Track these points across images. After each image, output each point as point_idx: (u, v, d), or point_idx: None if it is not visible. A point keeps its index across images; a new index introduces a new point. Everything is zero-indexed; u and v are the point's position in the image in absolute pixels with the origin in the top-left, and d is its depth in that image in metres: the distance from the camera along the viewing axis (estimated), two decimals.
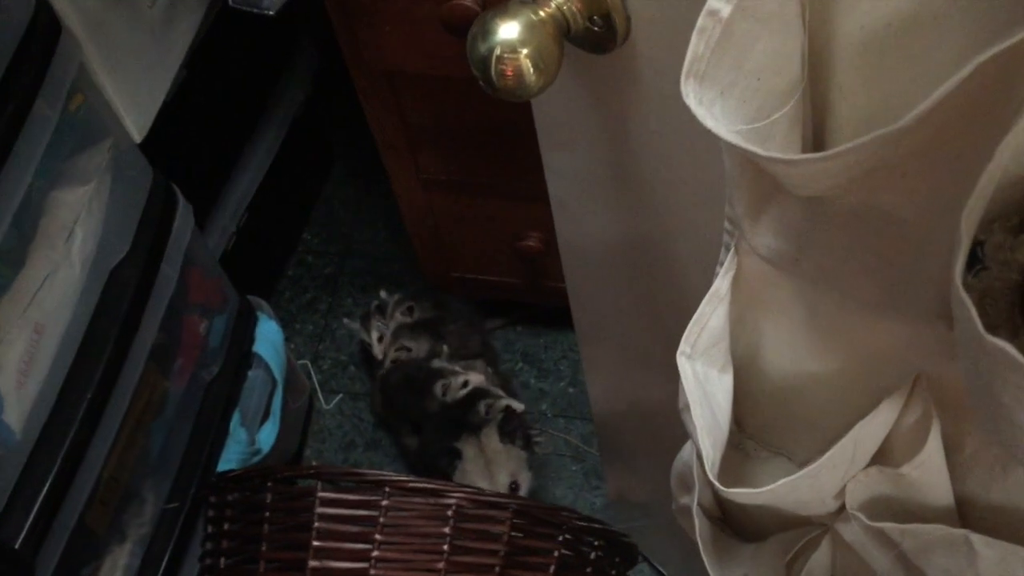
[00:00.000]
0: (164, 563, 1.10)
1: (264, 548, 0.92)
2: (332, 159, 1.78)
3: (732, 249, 0.52)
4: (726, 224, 0.51)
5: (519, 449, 1.26)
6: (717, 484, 0.51)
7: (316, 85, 1.60)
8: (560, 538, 0.94)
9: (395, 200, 1.37)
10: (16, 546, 0.83)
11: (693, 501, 0.71)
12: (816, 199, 0.40)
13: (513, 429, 1.26)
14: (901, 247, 0.38)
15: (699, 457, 0.69)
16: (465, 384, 1.30)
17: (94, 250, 0.97)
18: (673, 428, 0.78)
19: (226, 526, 0.98)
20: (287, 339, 1.48)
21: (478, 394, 1.29)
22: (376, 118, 1.15)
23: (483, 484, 1.22)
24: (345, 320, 1.55)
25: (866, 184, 0.38)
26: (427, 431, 1.32)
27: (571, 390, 1.50)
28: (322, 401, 1.54)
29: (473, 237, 1.35)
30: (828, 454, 0.48)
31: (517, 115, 1.10)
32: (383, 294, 1.48)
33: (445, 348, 1.36)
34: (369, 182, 1.75)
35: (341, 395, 1.55)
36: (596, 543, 0.98)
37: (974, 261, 0.31)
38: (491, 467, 1.23)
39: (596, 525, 0.97)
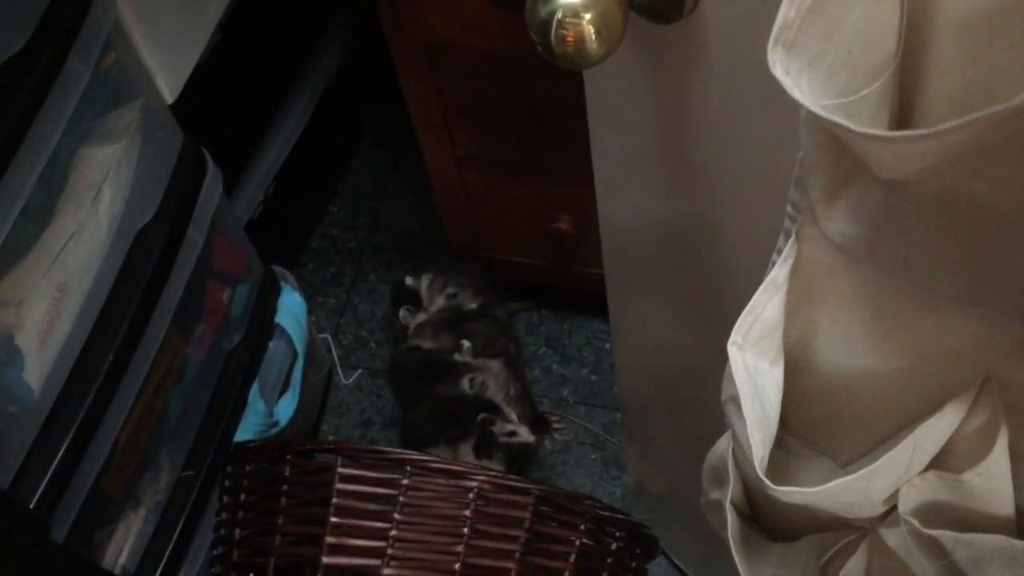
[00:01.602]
0: (178, 531, 1.08)
1: (281, 521, 0.91)
2: (362, 133, 1.76)
3: (792, 236, 0.50)
4: (788, 209, 0.49)
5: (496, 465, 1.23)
6: (766, 481, 0.48)
7: (349, 57, 1.58)
8: (582, 527, 0.92)
9: (423, 176, 1.35)
10: (31, 506, 0.81)
11: (726, 497, 0.69)
12: (899, 183, 0.37)
13: (490, 446, 1.22)
14: (988, 237, 0.36)
15: (734, 454, 0.67)
16: (512, 434, 1.25)
17: (121, 211, 0.96)
18: (702, 421, 0.76)
19: (242, 497, 0.96)
20: (309, 312, 1.46)
21: (487, 407, 1.26)
22: (412, 91, 1.13)
23: None
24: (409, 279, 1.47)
25: (955, 169, 0.35)
26: (415, 420, 1.30)
27: (593, 377, 1.48)
28: (341, 376, 1.53)
29: (504, 217, 1.32)
30: (886, 456, 0.45)
31: (557, 94, 1.07)
32: (409, 280, 1.44)
33: (466, 343, 1.34)
34: (398, 157, 1.73)
35: (360, 370, 1.53)
36: (618, 534, 0.96)
37: None
38: None
39: (619, 516, 0.95)
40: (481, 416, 1.23)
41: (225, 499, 0.99)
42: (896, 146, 0.31)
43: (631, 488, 1.35)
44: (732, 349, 0.51)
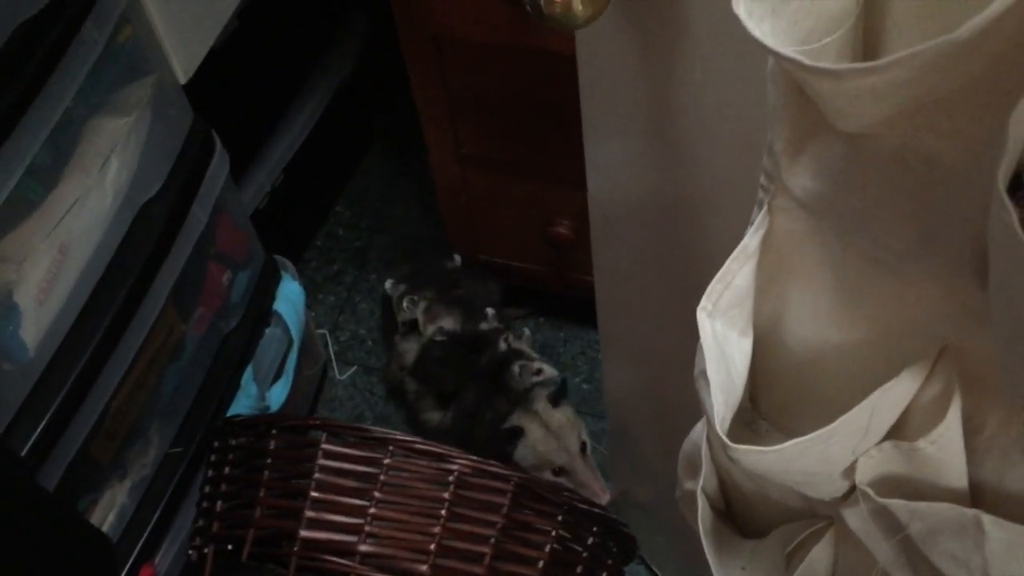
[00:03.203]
0: (162, 506, 1.10)
1: (262, 494, 0.92)
2: (372, 136, 1.79)
3: (764, 207, 0.51)
4: (761, 179, 0.50)
5: (572, 410, 1.29)
6: (726, 441, 0.49)
7: (364, 59, 1.61)
8: (559, 517, 0.92)
9: (430, 180, 1.37)
10: (22, 454, 0.83)
11: (698, 485, 0.70)
12: (859, 138, 0.39)
13: (561, 395, 1.29)
14: (939, 192, 0.37)
15: (708, 440, 0.68)
16: (539, 371, 1.31)
17: (127, 182, 0.98)
18: (686, 430, 0.76)
19: (227, 470, 0.97)
20: (308, 307, 1.48)
21: (512, 355, 1.31)
22: (420, 84, 1.15)
23: (555, 457, 1.25)
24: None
25: (911, 123, 0.37)
26: (468, 406, 1.32)
27: (585, 386, 1.49)
28: (336, 371, 1.54)
29: (505, 218, 1.34)
30: (843, 418, 0.46)
31: (562, 93, 1.09)
32: (388, 284, 1.47)
33: (491, 310, 1.37)
34: (407, 161, 1.75)
35: (355, 367, 1.54)
36: (595, 528, 0.96)
37: (1016, 187, 0.30)
38: (561, 438, 1.25)
39: (596, 510, 0.96)
40: (520, 364, 1.29)
41: (210, 473, 1.00)
42: (847, 82, 0.32)
43: (615, 496, 1.36)
44: (701, 315, 0.52)
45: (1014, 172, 0.30)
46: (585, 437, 1.29)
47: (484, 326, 1.36)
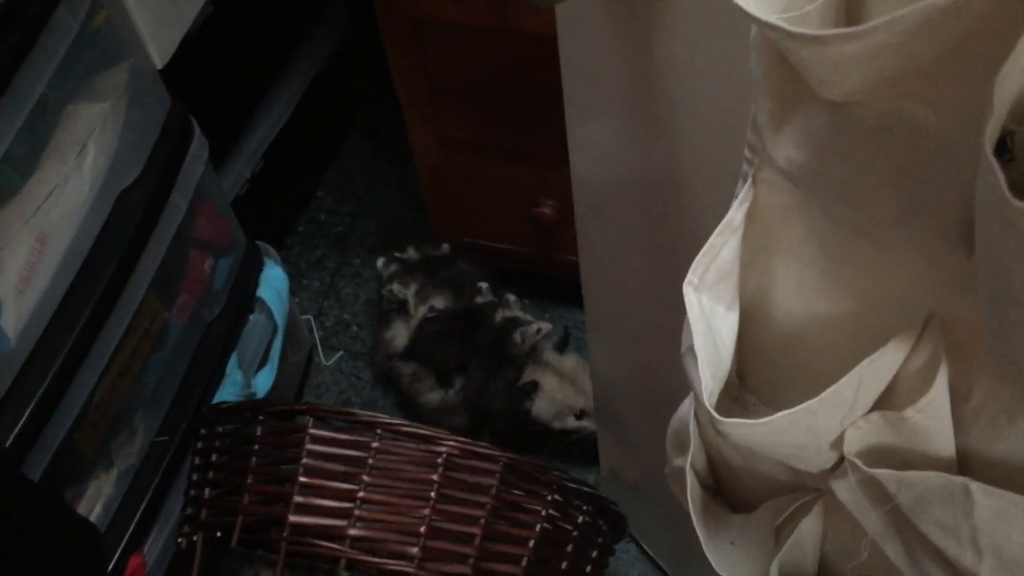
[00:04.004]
0: (149, 495, 1.09)
1: (250, 480, 0.92)
2: (352, 121, 1.78)
3: (749, 180, 0.51)
4: (746, 152, 0.50)
5: (578, 355, 1.31)
6: (714, 414, 0.49)
7: (343, 42, 1.60)
8: (549, 497, 0.92)
9: (411, 165, 1.37)
10: (6, 445, 0.82)
11: (687, 461, 0.70)
12: (843, 107, 0.38)
13: (565, 343, 1.32)
14: (925, 160, 0.37)
15: (696, 416, 0.68)
16: (538, 330, 1.34)
17: (106, 169, 0.97)
18: (674, 407, 0.77)
19: (214, 457, 0.97)
20: (292, 293, 1.47)
21: (509, 325, 1.33)
22: (400, 68, 1.14)
23: (574, 400, 1.28)
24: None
25: (895, 91, 0.36)
26: (475, 381, 1.32)
27: None
28: (322, 357, 1.53)
29: (488, 201, 1.34)
30: (831, 389, 0.46)
31: (543, 75, 1.09)
32: (380, 262, 1.46)
33: (484, 284, 1.37)
34: (388, 146, 1.74)
35: (341, 352, 1.54)
36: (585, 507, 0.96)
37: (1002, 151, 0.30)
38: (576, 381, 1.29)
39: (586, 489, 0.96)
40: (520, 331, 1.31)
41: (196, 460, 1.00)
42: (830, 48, 0.32)
43: (604, 475, 1.36)
44: (688, 289, 0.52)
45: (1000, 135, 0.30)
46: None
47: (480, 299, 1.36)
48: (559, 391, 1.29)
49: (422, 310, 1.38)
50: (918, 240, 0.41)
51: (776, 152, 0.42)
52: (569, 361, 1.31)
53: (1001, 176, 0.26)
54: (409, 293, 1.38)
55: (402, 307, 1.38)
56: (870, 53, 0.33)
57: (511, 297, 1.38)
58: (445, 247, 1.44)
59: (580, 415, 1.30)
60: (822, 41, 0.32)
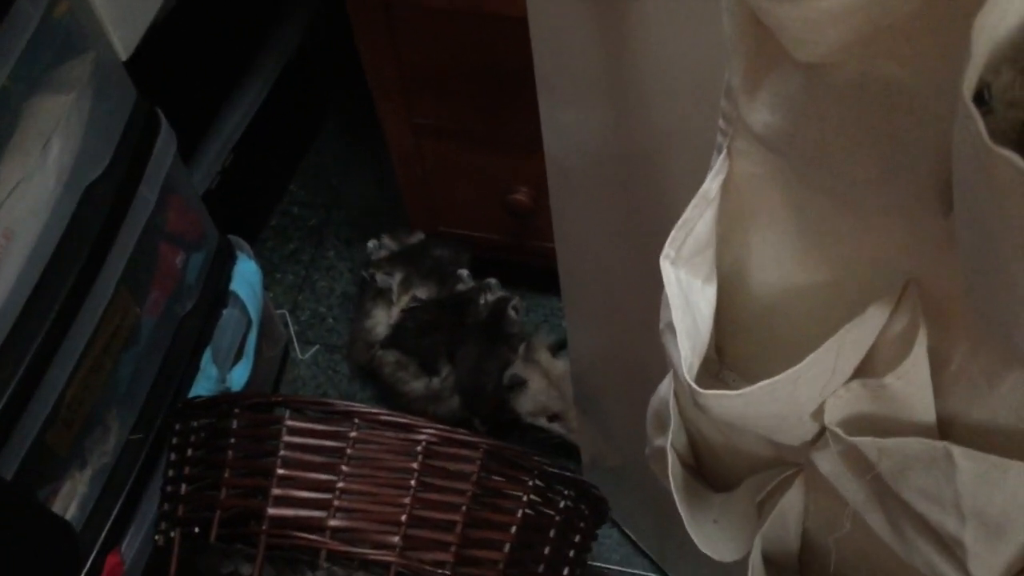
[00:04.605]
0: (125, 493, 1.07)
1: (227, 475, 0.90)
2: (324, 112, 1.76)
3: (724, 151, 0.50)
4: (720, 123, 0.50)
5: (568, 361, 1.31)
6: (695, 387, 0.49)
7: (313, 30, 1.58)
8: (530, 483, 0.92)
9: (385, 155, 1.35)
10: None
11: (667, 440, 0.69)
12: (817, 68, 0.38)
13: (561, 346, 1.31)
14: (901, 119, 0.37)
15: (676, 395, 0.68)
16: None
17: (71, 163, 0.95)
18: (653, 385, 0.76)
19: (190, 452, 0.96)
20: (266, 288, 1.45)
21: (500, 303, 1.34)
22: (370, 55, 1.13)
23: (552, 404, 1.29)
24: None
25: (870, 50, 0.36)
26: (468, 362, 1.32)
27: None
28: (298, 351, 1.52)
29: (463, 189, 1.33)
30: (810, 357, 0.46)
31: (515, 59, 1.08)
32: (370, 245, 1.45)
33: (464, 272, 1.38)
34: (361, 137, 1.73)
35: (317, 346, 1.52)
36: (566, 492, 0.96)
37: (980, 102, 0.29)
38: (560, 387, 1.29)
39: (567, 474, 0.96)
40: (512, 305, 1.33)
41: (172, 456, 0.98)
42: (803, 5, 0.32)
43: (585, 463, 1.36)
44: (665, 263, 0.51)
45: (976, 89, 0.30)
46: None
47: (461, 287, 1.36)
48: (543, 393, 1.30)
49: (404, 299, 1.37)
50: (895, 202, 0.40)
51: (751, 117, 0.41)
52: (559, 366, 1.31)
53: (980, 122, 0.25)
54: (394, 282, 1.38)
55: (382, 294, 1.37)
56: (845, 9, 0.32)
57: (492, 281, 1.38)
58: (419, 234, 1.43)
59: (552, 418, 1.31)
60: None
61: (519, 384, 1.28)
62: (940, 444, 0.45)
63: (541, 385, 1.30)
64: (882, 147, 0.38)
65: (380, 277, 1.37)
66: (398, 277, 1.38)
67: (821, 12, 0.32)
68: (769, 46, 0.38)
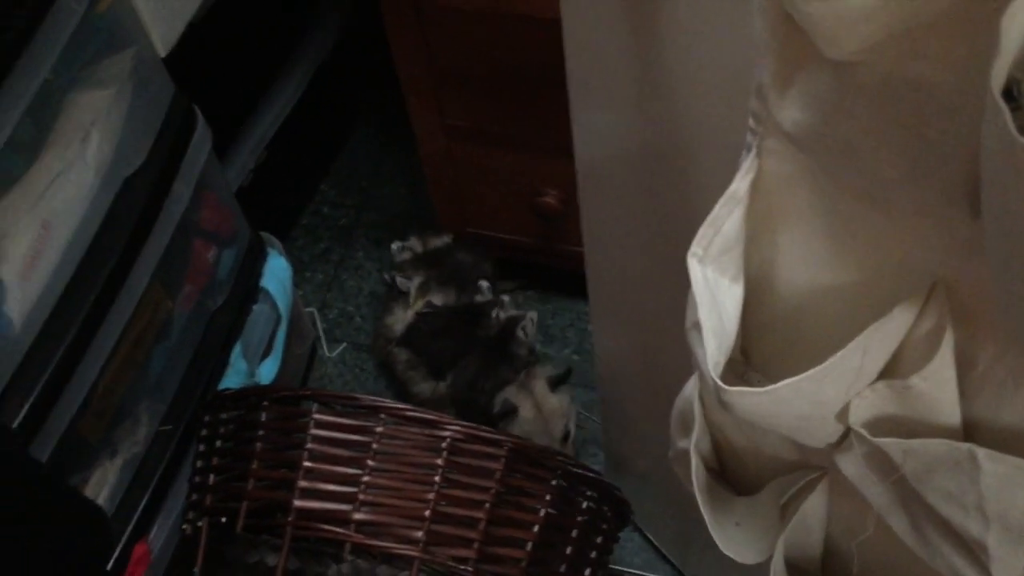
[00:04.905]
0: (153, 483, 1.09)
1: (255, 466, 0.92)
2: (357, 114, 1.78)
3: (753, 151, 0.51)
4: (750, 122, 0.50)
5: (568, 398, 1.29)
6: (720, 384, 0.49)
7: (347, 31, 1.60)
8: (553, 482, 0.92)
9: (416, 157, 1.37)
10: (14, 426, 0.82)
11: (691, 442, 0.69)
12: (848, 66, 0.38)
13: (561, 380, 1.29)
14: (929, 118, 0.37)
15: (700, 397, 0.68)
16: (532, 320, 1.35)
17: (109, 156, 0.97)
18: (678, 387, 0.76)
19: (218, 444, 0.97)
20: (296, 286, 1.47)
21: (511, 322, 1.33)
22: (403, 55, 1.14)
23: (537, 439, 1.25)
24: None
25: (900, 48, 0.36)
26: (467, 374, 1.32)
27: (575, 357, 1.49)
28: (325, 349, 1.53)
29: (492, 190, 1.34)
30: (836, 355, 0.46)
31: (547, 60, 1.08)
32: (394, 246, 1.46)
33: (484, 283, 1.37)
34: (392, 139, 1.74)
35: (345, 344, 1.54)
36: (589, 493, 0.96)
37: (1008, 99, 0.30)
38: (549, 422, 1.27)
39: (591, 474, 0.96)
40: (521, 326, 1.31)
41: (201, 447, 1.00)
42: (835, 1, 0.32)
43: (609, 467, 1.36)
44: (692, 261, 0.52)
45: (1005, 85, 0.30)
46: (572, 427, 1.30)
47: (479, 298, 1.36)
48: (530, 424, 1.27)
49: (420, 303, 1.38)
50: (924, 202, 0.40)
51: (781, 115, 0.41)
52: (552, 401, 1.28)
53: (1009, 116, 0.26)
54: (412, 286, 1.39)
55: (403, 294, 1.39)
56: (876, 6, 0.33)
57: (506, 298, 1.37)
58: (445, 237, 1.44)
59: None
60: None
61: (509, 411, 1.26)
62: (965, 446, 0.45)
63: (530, 415, 1.27)
64: (911, 146, 0.38)
65: (399, 280, 1.38)
66: (417, 281, 1.39)
67: (852, 9, 0.33)
68: (800, 44, 0.39)
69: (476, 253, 1.42)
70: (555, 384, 1.29)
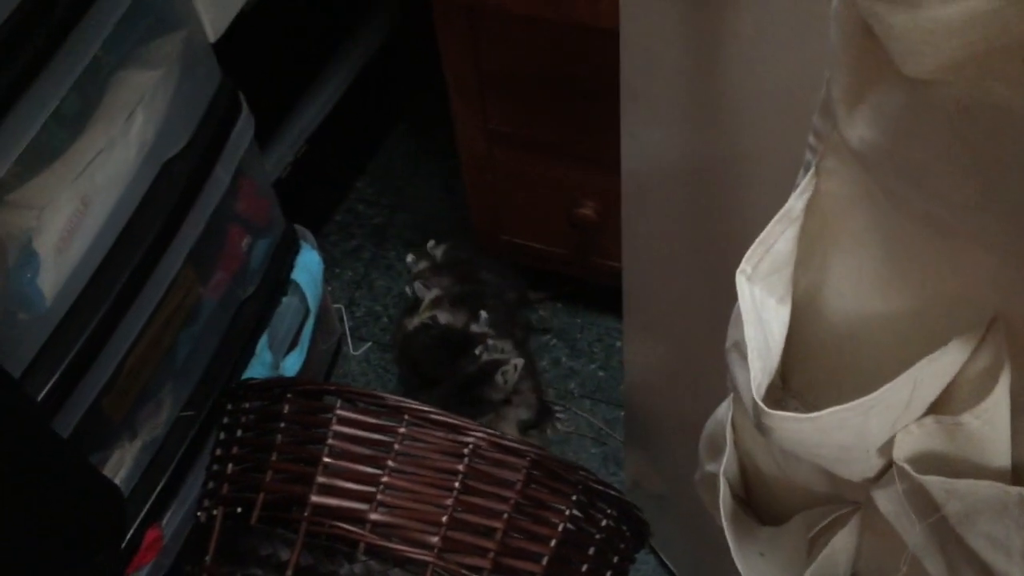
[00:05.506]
0: (171, 468, 1.09)
1: (274, 458, 0.91)
2: (398, 114, 1.78)
3: (812, 169, 0.49)
4: (810, 139, 0.49)
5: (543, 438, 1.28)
6: (762, 406, 0.48)
7: (395, 30, 1.60)
8: (574, 497, 0.91)
9: (454, 161, 1.36)
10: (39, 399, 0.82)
11: (721, 467, 0.68)
12: (923, 85, 0.37)
13: (533, 426, 1.27)
14: (1005, 144, 0.36)
15: (733, 422, 0.66)
16: (515, 367, 1.29)
17: (152, 137, 0.97)
18: (708, 410, 0.75)
19: (239, 433, 0.96)
20: (326, 281, 1.47)
21: (491, 367, 1.28)
22: (451, 56, 1.14)
23: None
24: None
25: (980, 69, 0.35)
26: (438, 403, 1.29)
27: (601, 373, 1.47)
28: (350, 347, 1.53)
29: (529, 198, 1.33)
30: (885, 387, 0.45)
31: (594, 70, 1.08)
32: (409, 258, 1.46)
33: (484, 314, 1.34)
34: (431, 141, 1.74)
35: (370, 343, 1.53)
36: (609, 511, 0.95)
37: None
38: None
39: (612, 492, 0.94)
40: (502, 371, 1.26)
41: (222, 435, 0.99)
42: (924, 11, 0.31)
43: (628, 486, 1.34)
44: (740, 279, 0.50)
45: None
46: None
47: (474, 327, 1.33)
48: None
49: (427, 315, 1.37)
50: (991, 230, 0.39)
51: (848, 131, 0.40)
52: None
53: None
54: (428, 296, 1.38)
55: (419, 302, 1.39)
56: (962, 20, 0.31)
57: (491, 343, 1.34)
58: (470, 251, 1.43)
59: None
60: (915, 4, 0.30)
61: None
62: (1015, 490, 0.44)
63: None
64: (984, 172, 0.37)
65: (418, 286, 1.38)
66: (433, 292, 1.38)
67: (937, 23, 0.31)
68: (875, 59, 0.37)
69: (501, 271, 1.40)
70: (524, 429, 1.26)
